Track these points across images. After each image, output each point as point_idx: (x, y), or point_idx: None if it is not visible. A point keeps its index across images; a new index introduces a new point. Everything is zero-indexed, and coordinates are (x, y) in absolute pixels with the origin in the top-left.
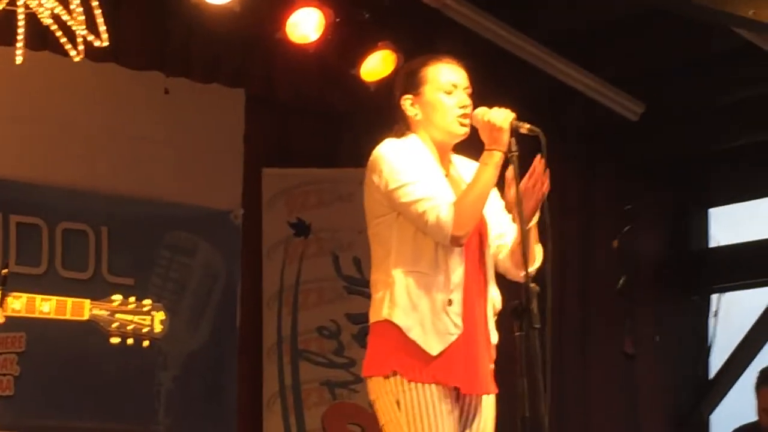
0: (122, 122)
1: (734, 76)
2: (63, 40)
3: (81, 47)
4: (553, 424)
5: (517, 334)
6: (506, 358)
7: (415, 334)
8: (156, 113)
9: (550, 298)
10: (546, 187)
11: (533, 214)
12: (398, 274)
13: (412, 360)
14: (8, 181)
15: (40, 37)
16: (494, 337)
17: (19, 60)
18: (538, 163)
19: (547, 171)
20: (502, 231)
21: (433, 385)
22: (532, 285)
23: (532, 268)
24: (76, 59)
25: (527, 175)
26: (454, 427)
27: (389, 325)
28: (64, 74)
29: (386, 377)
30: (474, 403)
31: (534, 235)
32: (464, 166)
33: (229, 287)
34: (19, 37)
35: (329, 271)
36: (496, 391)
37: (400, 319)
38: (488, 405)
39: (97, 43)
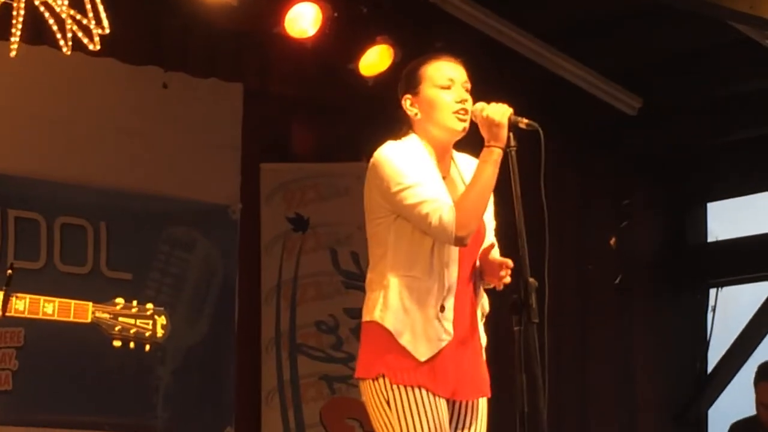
0: (120, 117)
1: (732, 70)
2: (55, 28)
3: (70, 42)
4: (551, 418)
5: (515, 329)
6: (503, 355)
7: (405, 339)
8: (154, 108)
9: (548, 292)
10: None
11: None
12: (393, 277)
13: (400, 364)
14: (7, 175)
15: (37, 31)
16: (483, 340)
17: (13, 53)
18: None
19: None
20: (492, 241)
21: (421, 389)
22: (531, 280)
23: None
24: (67, 53)
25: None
26: (446, 427)
27: (380, 328)
28: (62, 69)
29: (374, 380)
30: (467, 407)
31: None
32: (465, 165)
33: (227, 282)
34: (14, 31)
35: (327, 265)
36: (489, 395)
37: (390, 323)
38: (481, 408)
39: (98, 31)
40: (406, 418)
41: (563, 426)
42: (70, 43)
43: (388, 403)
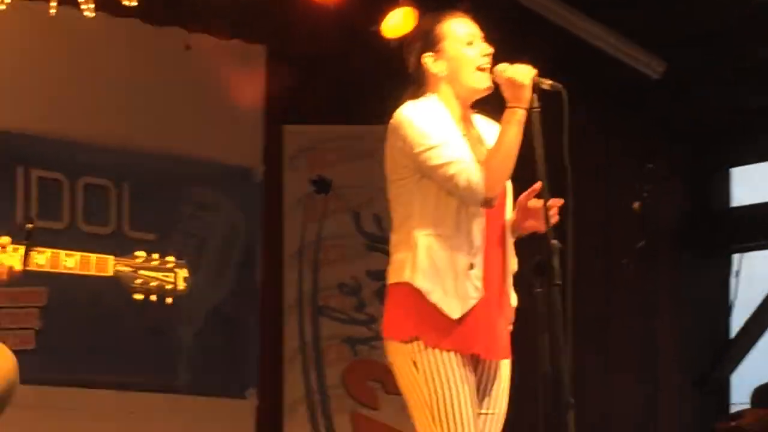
0: (144, 78)
1: (758, 36)
2: None
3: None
4: (573, 381)
5: (537, 290)
6: (526, 316)
7: (435, 297)
8: (177, 69)
9: (571, 254)
10: (553, 220)
11: (527, 231)
12: (420, 237)
13: (433, 325)
14: (30, 135)
15: None
16: (513, 300)
17: (53, 11)
18: (536, 188)
19: (558, 202)
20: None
21: (452, 353)
22: (554, 241)
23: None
24: (90, 15)
25: (528, 192)
26: (472, 393)
27: (410, 288)
28: (85, 29)
29: (405, 342)
30: (492, 369)
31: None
32: (484, 126)
33: (249, 244)
34: None
35: (350, 227)
36: (511, 356)
37: (421, 282)
38: (504, 370)
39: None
40: (433, 381)
41: (585, 389)
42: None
43: (415, 365)
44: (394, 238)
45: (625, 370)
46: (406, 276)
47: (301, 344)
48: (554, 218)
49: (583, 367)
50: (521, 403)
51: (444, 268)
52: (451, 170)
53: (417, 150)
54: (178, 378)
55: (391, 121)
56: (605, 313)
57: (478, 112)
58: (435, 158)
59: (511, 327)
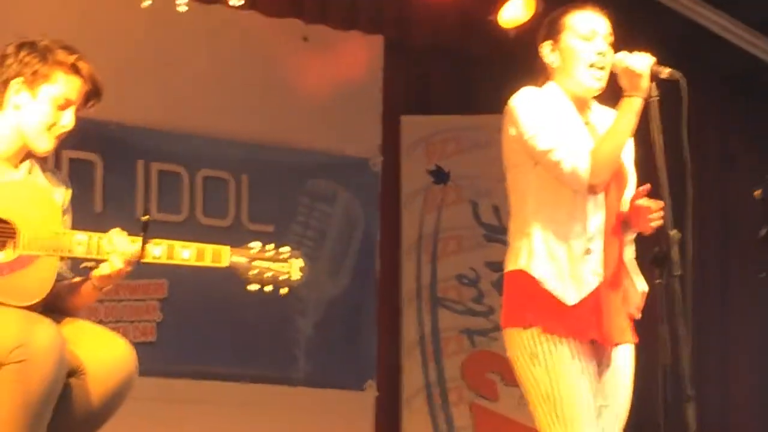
0: (261, 70)
1: None
2: None
3: None
4: (693, 371)
5: (657, 281)
6: (647, 307)
7: (551, 284)
8: (295, 61)
9: (690, 245)
10: (651, 230)
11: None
12: (536, 224)
13: (549, 312)
14: (150, 129)
15: None
16: (641, 285)
17: (183, 9)
18: (645, 190)
19: (659, 204)
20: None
21: (570, 339)
22: (673, 232)
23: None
24: (237, 3)
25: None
26: (592, 380)
27: (525, 275)
28: (204, 22)
29: (523, 329)
30: (612, 352)
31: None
32: (601, 115)
33: (368, 235)
34: None
35: (468, 218)
36: (635, 340)
37: (536, 269)
38: (627, 355)
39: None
40: (553, 375)
41: (705, 379)
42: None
43: (535, 357)
44: (512, 225)
45: (745, 359)
46: (522, 264)
47: (420, 336)
48: (658, 222)
49: (702, 357)
50: (641, 395)
51: (559, 254)
52: (557, 156)
53: (527, 135)
54: (298, 370)
55: (506, 106)
56: (725, 302)
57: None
58: (543, 143)
59: (639, 314)
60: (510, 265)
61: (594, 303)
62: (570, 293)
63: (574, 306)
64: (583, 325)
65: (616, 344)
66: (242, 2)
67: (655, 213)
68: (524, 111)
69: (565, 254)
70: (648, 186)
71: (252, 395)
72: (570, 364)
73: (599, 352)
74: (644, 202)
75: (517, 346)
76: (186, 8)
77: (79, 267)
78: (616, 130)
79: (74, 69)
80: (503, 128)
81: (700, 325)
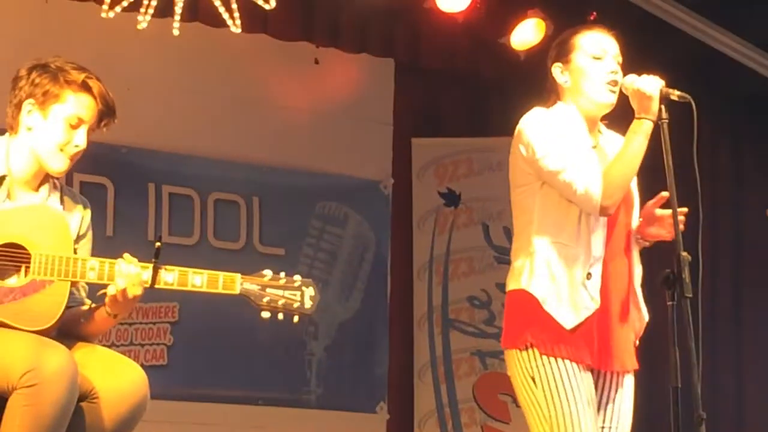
0: (273, 93)
1: None
2: (221, 10)
3: (238, 20)
4: (705, 394)
5: (669, 303)
6: (658, 330)
7: (550, 306)
8: (306, 83)
9: (701, 266)
10: (681, 227)
11: (651, 239)
12: (539, 244)
13: (547, 334)
14: (161, 152)
15: (191, 8)
16: (645, 314)
17: (176, 32)
18: (662, 198)
19: (684, 211)
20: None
21: (568, 361)
22: (684, 254)
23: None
24: (235, 30)
25: (655, 201)
26: (592, 402)
27: (526, 295)
28: (215, 46)
29: (521, 350)
30: (614, 380)
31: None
32: (611, 139)
33: (379, 257)
34: (177, 9)
35: (479, 240)
36: (636, 367)
37: (537, 289)
38: (628, 385)
39: (266, 6)
40: (552, 397)
41: (717, 402)
42: (238, 21)
43: (534, 380)
44: (515, 245)
45: (758, 380)
46: (523, 283)
47: (432, 358)
48: (682, 226)
49: (714, 379)
50: (653, 417)
51: (560, 277)
52: (569, 177)
53: (538, 155)
54: (309, 392)
55: (518, 126)
56: (737, 323)
57: (606, 125)
58: (554, 163)
59: (637, 342)
60: (511, 285)
61: (591, 328)
62: (568, 317)
63: (572, 329)
64: (580, 349)
65: (617, 371)
66: (240, 30)
67: (680, 216)
68: (535, 131)
69: (566, 277)
70: (666, 194)
71: (264, 418)
72: (569, 384)
73: (606, 377)
74: (663, 212)
75: (517, 366)
76: (177, 32)
77: (96, 295)
78: (627, 151)
79: (84, 87)
80: (512, 147)
81: (713, 345)
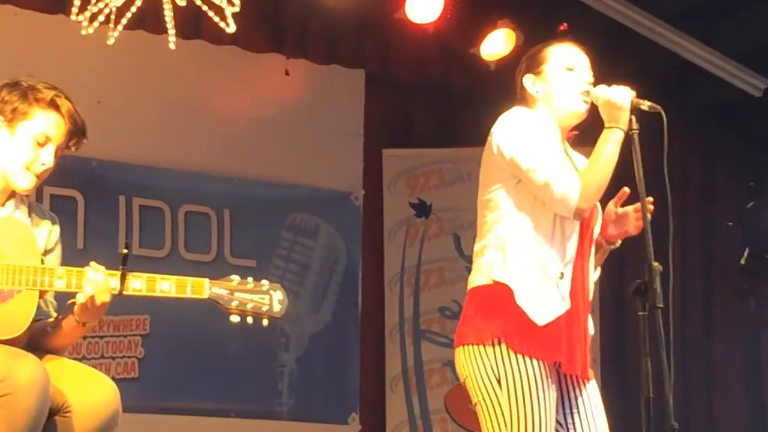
0: (243, 104)
1: None
2: (215, 18)
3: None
4: (677, 404)
5: (640, 314)
6: (630, 341)
7: (522, 299)
8: (276, 95)
9: (672, 276)
10: (637, 229)
11: (616, 240)
12: (513, 240)
13: (518, 329)
14: (131, 164)
15: (158, 20)
16: (591, 328)
17: (172, 46)
18: (624, 193)
19: (649, 209)
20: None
21: (536, 360)
22: (655, 264)
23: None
24: (230, 30)
25: (616, 199)
26: (555, 407)
27: (497, 287)
28: (184, 58)
29: (486, 345)
30: (575, 386)
31: (601, 258)
32: (576, 159)
33: (350, 269)
34: (169, 25)
35: (450, 251)
36: (593, 378)
37: (511, 280)
38: (593, 391)
39: (230, 9)
40: (517, 400)
41: (689, 413)
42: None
43: (498, 381)
44: (479, 245)
45: (729, 390)
46: (497, 275)
47: (404, 368)
48: (649, 215)
49: (686, 389)
50: (625, 427)
51: (534, 271)
52: (548, 176)
53: (516, 153)
54: (282, 404)
55: (495, 124)
56: (708, 333)
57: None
58: (531, 163)
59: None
60: (478, 281)
61: (560, 328)
62: (540, 313)
63: (543, 327)
64: (550, 347)
65: (578, 375)
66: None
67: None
68: (514, 129)
69: (539, 273)
70: (627, 190)
71: (236, 430)
72: (535, 391)
73: (567, 381)
74: (625, 209)
75: (478, 364)
76: (174, 46)
77: (66, 304)
78: (600, 158)
79: (52, 105)
80: (487, 144)
81: (684, 355)
